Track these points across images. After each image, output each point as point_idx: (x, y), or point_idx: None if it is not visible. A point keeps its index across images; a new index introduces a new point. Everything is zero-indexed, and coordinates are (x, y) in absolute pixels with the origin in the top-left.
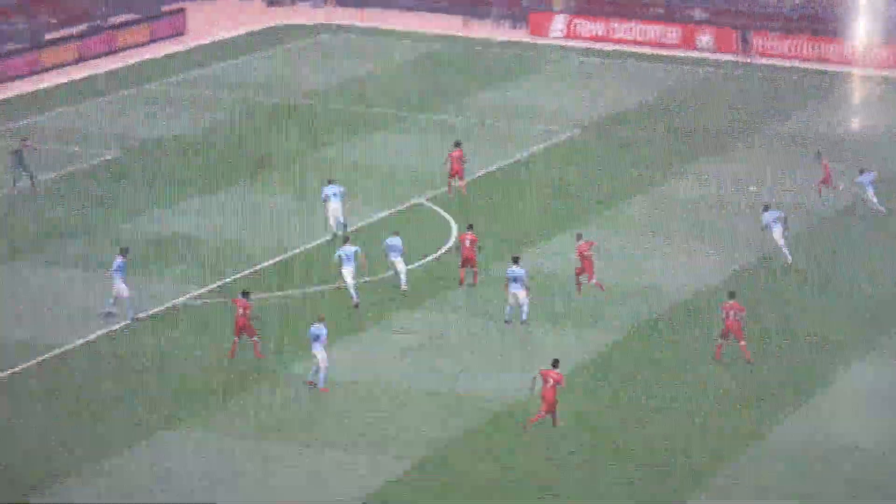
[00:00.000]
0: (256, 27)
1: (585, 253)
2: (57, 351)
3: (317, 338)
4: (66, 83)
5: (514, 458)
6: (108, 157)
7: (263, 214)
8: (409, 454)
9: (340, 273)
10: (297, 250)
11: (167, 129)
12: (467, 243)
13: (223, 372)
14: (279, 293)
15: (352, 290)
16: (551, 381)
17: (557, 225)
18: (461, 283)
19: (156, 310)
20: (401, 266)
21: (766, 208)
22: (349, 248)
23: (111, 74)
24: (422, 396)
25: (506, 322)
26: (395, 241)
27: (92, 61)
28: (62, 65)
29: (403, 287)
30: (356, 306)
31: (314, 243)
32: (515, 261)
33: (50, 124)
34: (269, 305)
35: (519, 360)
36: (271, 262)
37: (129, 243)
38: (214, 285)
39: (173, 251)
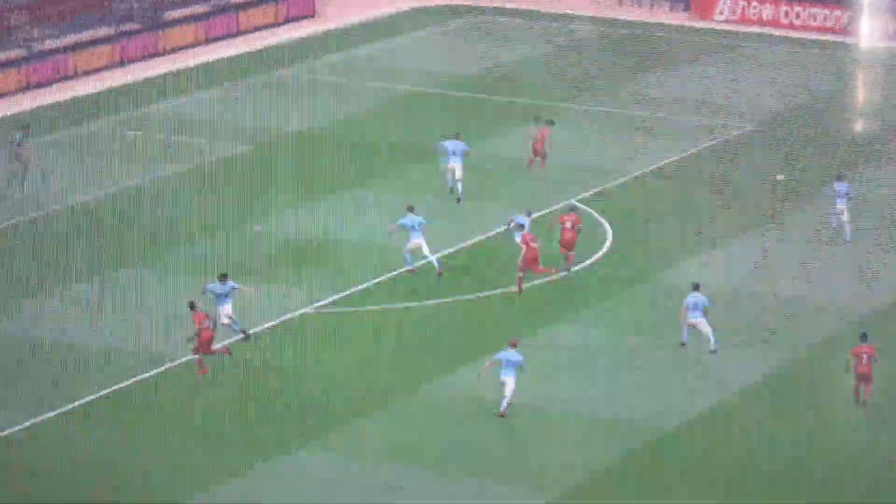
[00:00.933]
0: (394, 9)
1: (532, 244)
2: (170, 364)
3: (509, 363)
4: (187, 68)
5: (670, 490)
6: (236, 152)
7: (402, 214)
8: (554, 485)
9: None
10: (438, 254)
11: (297, 120)
12: (568, 225)
13: (350, 388)
14: (420, 303)
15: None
16: (864, 356)
17: (725, 231)
18: (554, 271)
19: (281, 319)
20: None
21: (840, 178)
22: (413, 218)
23: (236, 59)
24: (571, 421)
25: (681, 344)
26: (522, 219)
27: (215, 44)
28: (182, 48)
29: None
30: (440, 274)
31: (458, 246)
32: (696, 287)
33: (170, 114)
34: (404, 317)
35: (678, 382)
36: (410, 266)
37: (258, 245)
38: (347, 292)
39: (304, 254)
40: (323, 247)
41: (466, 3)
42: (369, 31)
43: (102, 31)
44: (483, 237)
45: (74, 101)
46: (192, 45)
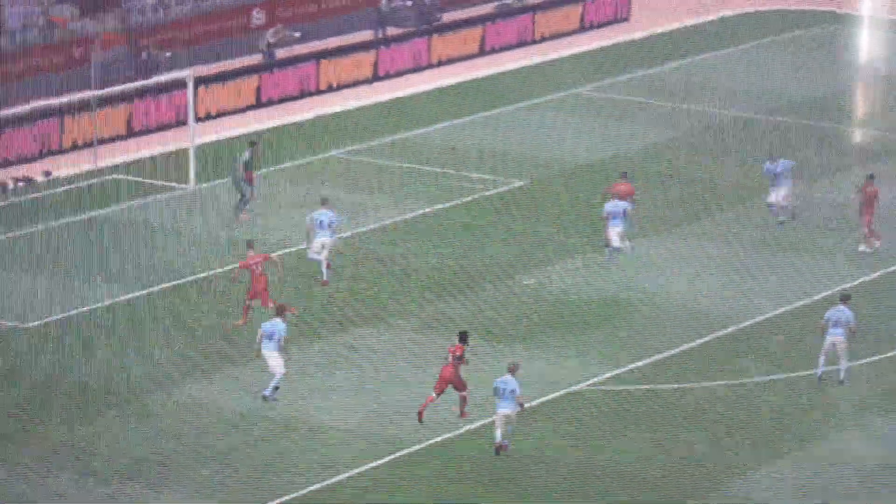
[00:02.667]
0: (723, 13)
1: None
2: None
3: (506, 394)
4: (460, 83)
5: None
6: (516, 185)
7: (712, 269)
8: None
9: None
10: (754, 319)
11: (595, 149)
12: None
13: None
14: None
15: (323, 267)
16: None
17: None
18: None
19: (550, 396)
20: None
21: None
22: (325, 213)
23: (528, 73)
24: None
25: (818, 379)
26: None
27: (499, 55)
28: (459, 58)
29: None
30: None
31: (780, 310)
32: (844, 299)
33: (436, 141)
34: (700, 398)
35: None
36: (725, 331)
37: (577, 303)
38: (631, 366)
39: (583, 316)
40: (606, 307)
41: (821, 8)
42: (693, 41)
43: (358, 37)
44: (801, 303)
45: (319, 122)
46: (470, 56)
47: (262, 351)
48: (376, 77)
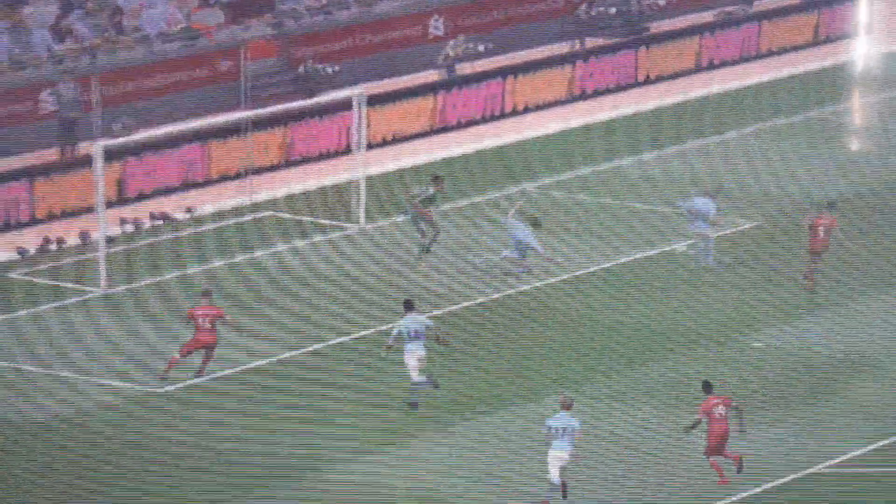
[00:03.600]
0: None
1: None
2: None
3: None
4: (672, 104)
5: None
6: (742, 227)
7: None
8: None
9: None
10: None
11: (832, 182)
12: (821, 233)
13: None
14: None
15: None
16: None
17: None
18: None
19: (782, 479)
20: None
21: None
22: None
23: (752, 92)
24: None
25: None
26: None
27: (718, 71)
28: (671, 75)
29: None
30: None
31: None
32: None
33: (635, 171)
34: None
35: None
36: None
37: (812, 369)
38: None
39: (829, 385)
40: (846, 374)
41: None
42: None
43: (552, 49)
44: None
45: (505, 149)
46: (684, 72)
47: (412, 350)
48: (573, 97)
